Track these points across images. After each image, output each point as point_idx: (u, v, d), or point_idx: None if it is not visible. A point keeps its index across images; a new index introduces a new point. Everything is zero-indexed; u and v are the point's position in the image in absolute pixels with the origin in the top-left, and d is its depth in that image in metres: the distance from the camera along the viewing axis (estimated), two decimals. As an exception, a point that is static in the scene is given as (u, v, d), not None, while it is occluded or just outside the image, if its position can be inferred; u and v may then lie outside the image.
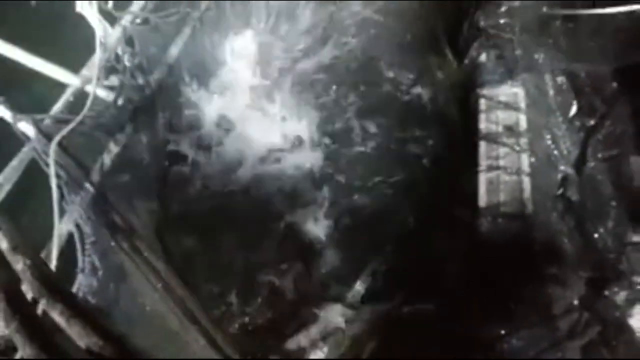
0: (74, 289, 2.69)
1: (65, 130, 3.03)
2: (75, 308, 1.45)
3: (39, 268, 1.53)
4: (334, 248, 3.19)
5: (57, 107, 3.35)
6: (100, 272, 2.87)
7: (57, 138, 2.96)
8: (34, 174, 3.02)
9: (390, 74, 3.89)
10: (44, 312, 1.51)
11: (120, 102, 3.50)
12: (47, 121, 3.04)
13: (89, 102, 3.26)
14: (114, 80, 3.62)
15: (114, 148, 3.48)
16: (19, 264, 1.52)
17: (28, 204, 3.27)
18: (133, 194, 3.44)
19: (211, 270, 3.23)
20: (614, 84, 3.15)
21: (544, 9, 3.30)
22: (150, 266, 2.73)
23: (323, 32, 4.43)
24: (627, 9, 2.99)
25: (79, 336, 1.39)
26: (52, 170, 2.86)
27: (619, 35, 3.11)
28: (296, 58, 4.32)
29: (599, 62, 3.22)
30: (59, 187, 2.89)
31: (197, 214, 3.52)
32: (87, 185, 3.09)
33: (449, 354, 2.46)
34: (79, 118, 3.13)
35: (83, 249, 2.88)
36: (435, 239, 2.98)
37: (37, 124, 3.03)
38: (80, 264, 2.83)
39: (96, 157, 3.31)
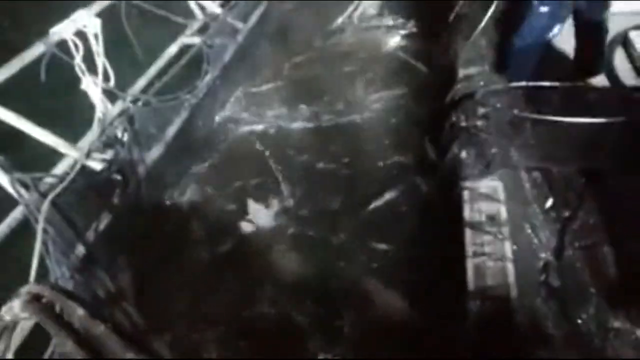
0: (49, 352, 2.61)
1: (59, 188, 3.14)
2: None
3: (118, 330, 1.80)
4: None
5: (50, 179, 3.45)
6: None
7: (51, 195, 3.06)
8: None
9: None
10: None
11: (113, 169, 3.66)
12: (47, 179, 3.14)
13: (78, 165, 3.41)
14: (109, 154, 3.82)
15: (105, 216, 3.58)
16: (100, 328, 1.78)
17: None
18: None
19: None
20: (583, 180, 3.43)
21: (515, 112, 3.68)
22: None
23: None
24: (589, 120, 3.38)
25: None
26: (40, 226, 2.90)
27: (583, 138, 3.46)
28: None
29: (567, 162, 3.54)
30: (45, 243, 2.91)
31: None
32: (78, 245, 3.12)
33: None
34: (72, 175, 3.24)
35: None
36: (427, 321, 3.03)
37: (34, 182, 3.13)
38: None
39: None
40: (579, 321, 2.93)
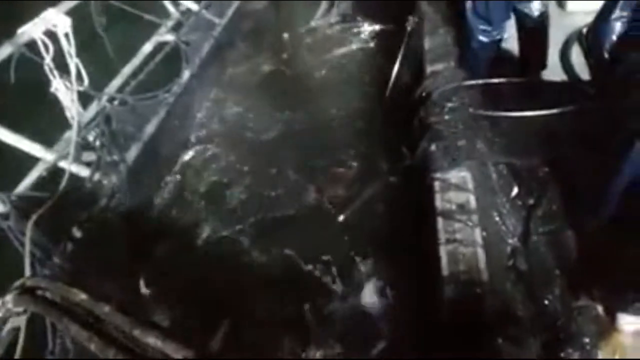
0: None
1: (42, 210, 3.09)
2: (165, 332, 1.79)
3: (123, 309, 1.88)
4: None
5: (28, 182, 3.42)
6: (71, 355, 2.77)
7: (33, 217, 3.02)
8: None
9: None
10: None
11: (96, 177, 3.62)
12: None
13: (64, 181, 3.36)
14: (87, 156, 3.78)
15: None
16: (105, 308, 1.85)
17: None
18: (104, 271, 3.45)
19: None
20: (545, 170, 3.62)
21: (470, 110, 3.85)
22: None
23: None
24: (545, 112, 3.58)
25: (175, 351, 1.71)
26: (27, 249, 2.87)
27: (541, 130, 3.65)
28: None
29: (528, 155, 3.71)
30: (33, 265, 2.89)
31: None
32: (59, 262, 3.09)
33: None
34: (57, 195, 3.21)
35: (54, 330, 2.81)
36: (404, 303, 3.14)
37: (13, 203, 3.08)
38: (50, 346, 2.74)
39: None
40: (546, 302, 3.10)
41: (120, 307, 1.83)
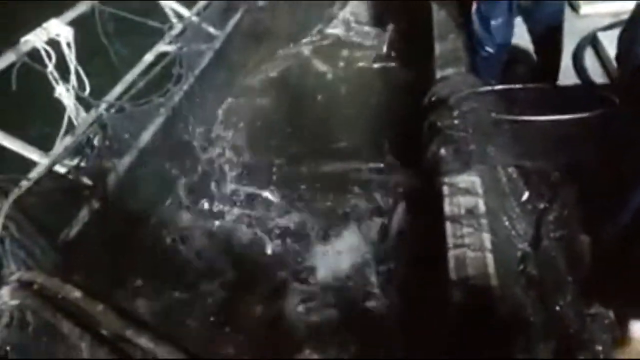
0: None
1: (22, 189, 3.28)
2: (158, 334, 1.85)
3: (117, 308, 1.94)
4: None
5: (23, 183, 3.59)
6: (30, 328, 2.88)
7: (13, 195, 3.20)
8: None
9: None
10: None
11: (80, 177, 3.79)
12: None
13: (44, 168, 3.53)
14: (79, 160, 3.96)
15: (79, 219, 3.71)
16: (99, 307, 1.93)
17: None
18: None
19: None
20: (557, 175, 3.70)
21: (493, 115, 3.95)
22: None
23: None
24: (568, 117, 3.66)
25: (168, 354, 1.77)
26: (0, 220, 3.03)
27: (555, 136, 3.74)
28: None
29: (543, 159, 3.80)
30: (2, 240, 3.03)
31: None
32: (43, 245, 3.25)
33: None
34: (33, 181, 3.37)
35: None
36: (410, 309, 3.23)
37: None
38: (7, 317, 2.86)
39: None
40: (557, 308, 3.16)
41: (114, 306, 1.92)
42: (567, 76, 4.32)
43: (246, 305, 3.83)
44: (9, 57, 3.87)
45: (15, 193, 3.27)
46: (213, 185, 4.93)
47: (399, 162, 4.47)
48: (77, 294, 2.00)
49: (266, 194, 4.88)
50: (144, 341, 1.81)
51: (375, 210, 4.41)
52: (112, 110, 4.36)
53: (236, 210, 4.73)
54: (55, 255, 3.36)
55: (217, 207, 4.75)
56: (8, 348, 2.72)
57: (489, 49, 4.22)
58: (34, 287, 2.04)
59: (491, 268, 3.18)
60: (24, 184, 3.42)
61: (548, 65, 4.33)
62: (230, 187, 4.93)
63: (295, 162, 5.04)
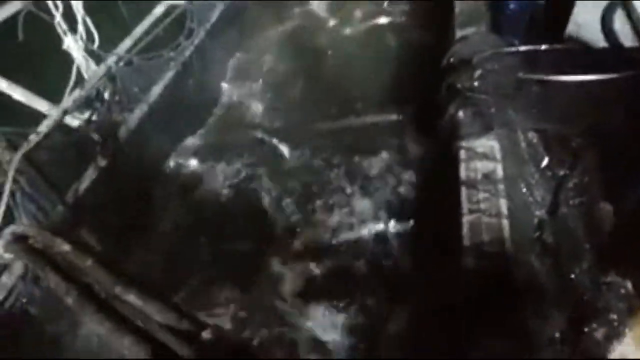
0: (12, 297, 2.75)
1: (32, 143, 3.25)
2: (148, 291, 1.77)
3: (106, 262, 1.87)
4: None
5: (33, 137, 3.56)
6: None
7: (22, 149, 3.17)
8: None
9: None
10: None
11: (90, 130, 3.76)
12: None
13: (54, 121, 3.50)
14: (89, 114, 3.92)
15: (88, 174, 3.69)
16: (87, 262, 1.84)
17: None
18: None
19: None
20: (579, 140, 3.59)
21: (520, 74, 3.81)
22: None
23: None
24: (595, 77, 3.52)
25: (157, 313, 1.70)
26: (10, 175, 3.01)
27: (585, 99, 3.61)
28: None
29: (566, 122, 3.69)
30: (13, 193, 3.02)
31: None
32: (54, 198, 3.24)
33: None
34: (46, 131, 3.34)
35: None
36: (422, 273, 3.21)
37: (6, 136, 3.22)
38: (21, 270, 2.89)
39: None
40: (572, 276, 3.12)
41: (103, 260, 1.86)
42: (594, 38, 4.13)
43: (257, 260, 3.83)
44: (14, 5, 3.78)
45: (25, 147, 3.24)
46: (223, 140, 4.86)
47: (415, 125, 4.35)
48: (66, 247, 1.96)
49: (279, 149, 4.80)
50: (132, 298, 1.76)
51: (391, 169, 4.32)
52: (122, 64, 4.28)
53: (246, 166, 4.68)
54: (64, 210, 3.35)
55: (228, 162, 4.70)
56: (24, 300, 2.77)
57: (513, 5, 4.03)
58: (28, 241, 2.02)
59: (506, 234, 3.14)
60: (34, 138, 3.39)
61: (556, 12, 4.15)
62: (241, 142, 4.86)
63: (308, 118, 4.94)
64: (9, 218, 2.94)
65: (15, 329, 2.79)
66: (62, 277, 1.88)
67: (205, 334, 1.60)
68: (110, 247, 3.63)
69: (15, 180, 3.05)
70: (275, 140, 4.86)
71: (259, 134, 4.96)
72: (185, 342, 1.60)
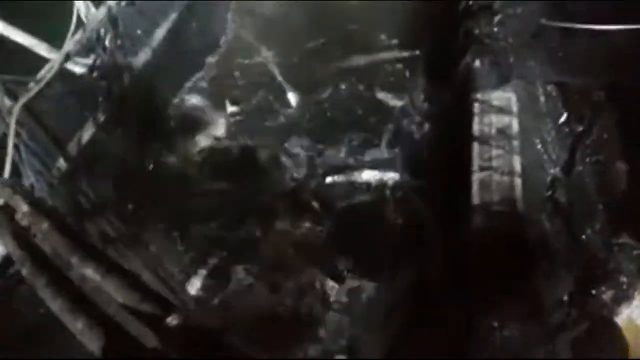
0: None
1: (33, 92, 3.13)
2: (109, 264, 1.49)
3: (65, 227, 1.60)
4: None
5: (33, 85, 3.42)
6: None
7: (23, 99, 3.06)
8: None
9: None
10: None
11: (94, 75, 3.62)
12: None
13: (57, 66, 3.38)
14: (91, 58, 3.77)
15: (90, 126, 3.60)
16: (43, 224, 1.58)
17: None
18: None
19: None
20: (601, 95, 3.42)
21: (542, 20, 3.58)
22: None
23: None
24: (624, 27, 3.29)
25: (116, 291, 1.42)
26: (11, 128, 2.92)
27: (611, 50, 3.40)
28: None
29: (589, 75, 3.50)
30: (17, 147, 2.94)
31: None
32: (55, 151, 3.15)
33: (441, 342, 2.63)
34: (48, 78, 3.22)
35: None
36: (430, 232, 3.17)
37: (4, 83, 3.10)
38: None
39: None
40: (583, 237, 3.06)
41: (62, 224, 1.60)
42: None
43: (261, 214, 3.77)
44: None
45: (25, 96, 3.11)
46: (228, 81, 4.68)
47: (429, 73, 4.13)
48: (24, 207, 1.76)
49: (286, 90, 4.61)
50: (90, 272, 1.47)
51: (400, 116, 4.12)
52: (123, 4, 4.05)
53: (251, 112, 4.52)
54: (66, 163, 3.27)
55: (233, 102, 4.53)
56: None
57: None
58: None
59: (518, 194, 3.05)
60: (35, 86, 3.25)
61: None
62: (247, 85, 4.67)
63: (315, 57, 4.70)
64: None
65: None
66: (17, 244, 1.67)
67: (171, 319, 1.36)
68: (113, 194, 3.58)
69: (17, 134, 2.94)
70: (281, 80, 4.65)
71: (265, 75, 4.75)
72: (148, 328, 1.35)
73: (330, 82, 4.49)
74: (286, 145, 4.17)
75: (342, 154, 3.99)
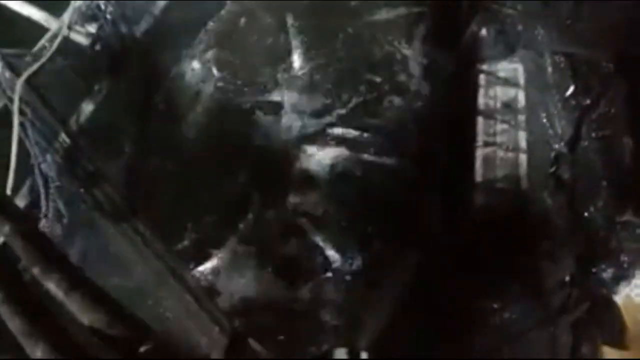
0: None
1: (35, 66, 2.99)
2: (76, 278, 1.26)
3: (29, 232, 1.34)
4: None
5: (29, 59, 3.27)
6: (65, 220, 2.83)
7: (26, 74, 2.93)
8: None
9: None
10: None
11: (97, 47, 3.48)
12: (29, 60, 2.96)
13: (59, 39, 3.23)
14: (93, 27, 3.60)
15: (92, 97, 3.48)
16: (4, 227, 1.33)
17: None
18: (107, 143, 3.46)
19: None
20: (611, 66, 3.32)
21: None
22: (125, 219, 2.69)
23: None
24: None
25: (80, 311, 1.21)
26: (16, 106, 2.81)
27: (623, 21, 3.28)
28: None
29: (599, 45, 3.38)
30: (22, 124, 2.84)
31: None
32: (58, 128, 3.05)
33: (441, 325, 2.63)
34: (49, 53, 3.08)
35: (47, 194, 2.84)
36: (430, 210, 3.13)
37: (4, 57, 2.97)
38: (43, 209, 2.81)
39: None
40: (586, 214, 3.03)
41: (27, 228, 1.34)
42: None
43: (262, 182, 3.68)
44: None
45: (29, 70, 2.95)
46: (228, 48, 4.51)
47: (432, 43, 3.97)
48: None
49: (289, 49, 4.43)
50: (52, 286, 1.24)
51: (402, 87, 3.99)
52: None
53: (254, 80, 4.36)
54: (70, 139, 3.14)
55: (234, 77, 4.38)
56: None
57: None
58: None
59: (523, 171, 3.00)
60: (33, 59, 3.08)
61: None
62: (248, 50, 4.50)
63: (314, 18, 4.50)
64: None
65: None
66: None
67: (145, 349, 1.16)
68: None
69: (21, 111, 2.81)
70: (283, 39, 4.48)
71: (269, 38, 4.57)
72: (117, 355, 1.16)
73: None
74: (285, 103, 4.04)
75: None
